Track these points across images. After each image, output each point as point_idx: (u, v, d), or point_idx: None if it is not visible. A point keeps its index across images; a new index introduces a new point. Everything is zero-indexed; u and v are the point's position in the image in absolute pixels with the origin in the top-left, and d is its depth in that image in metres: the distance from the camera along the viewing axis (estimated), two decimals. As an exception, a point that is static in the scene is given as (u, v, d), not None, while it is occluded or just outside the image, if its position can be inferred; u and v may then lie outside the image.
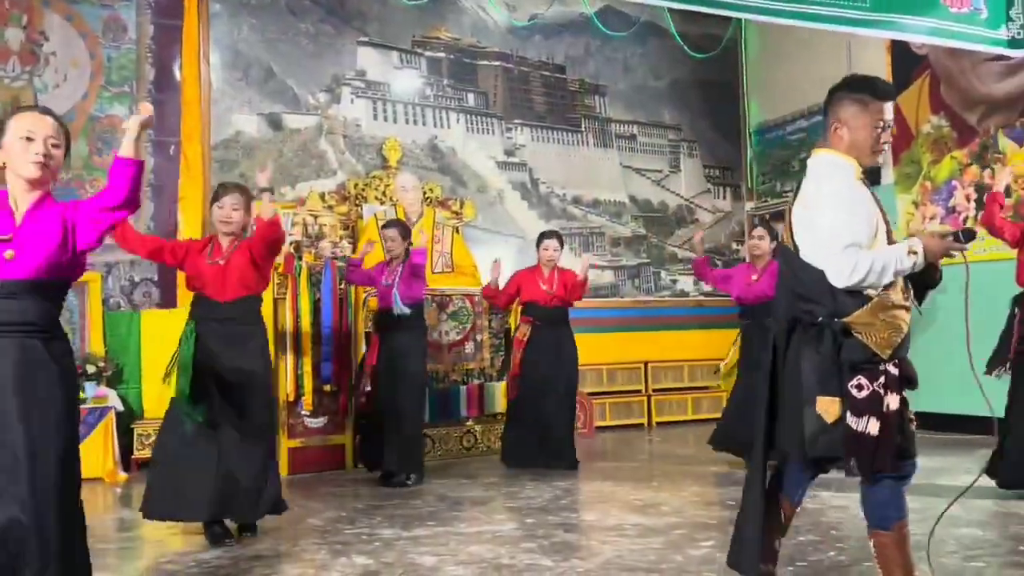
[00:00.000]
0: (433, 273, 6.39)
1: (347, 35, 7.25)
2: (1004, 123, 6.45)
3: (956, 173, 6.77)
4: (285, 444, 5.57)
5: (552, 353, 5.63)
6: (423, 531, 3.89)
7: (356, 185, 6.90)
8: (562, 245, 5.95)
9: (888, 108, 2.44)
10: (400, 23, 7.44)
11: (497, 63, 7.84)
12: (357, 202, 6.83)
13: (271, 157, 6.84)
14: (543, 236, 5.92)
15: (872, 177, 7.44)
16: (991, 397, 2.55)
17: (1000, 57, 5.69)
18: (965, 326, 2.45)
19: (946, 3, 4.57)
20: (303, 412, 5.60)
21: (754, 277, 5.45)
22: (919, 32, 4.55)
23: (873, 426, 2.30)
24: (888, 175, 7.38)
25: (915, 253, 2.33)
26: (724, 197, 9.02)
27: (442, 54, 7.60)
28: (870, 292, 2.36)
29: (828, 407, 2.41)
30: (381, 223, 5.68)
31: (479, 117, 7.71)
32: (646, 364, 8.03)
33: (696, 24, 8.38)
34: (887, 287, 2.34)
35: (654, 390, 8.03)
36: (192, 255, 3.83)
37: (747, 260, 5.92)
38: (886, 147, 2.48)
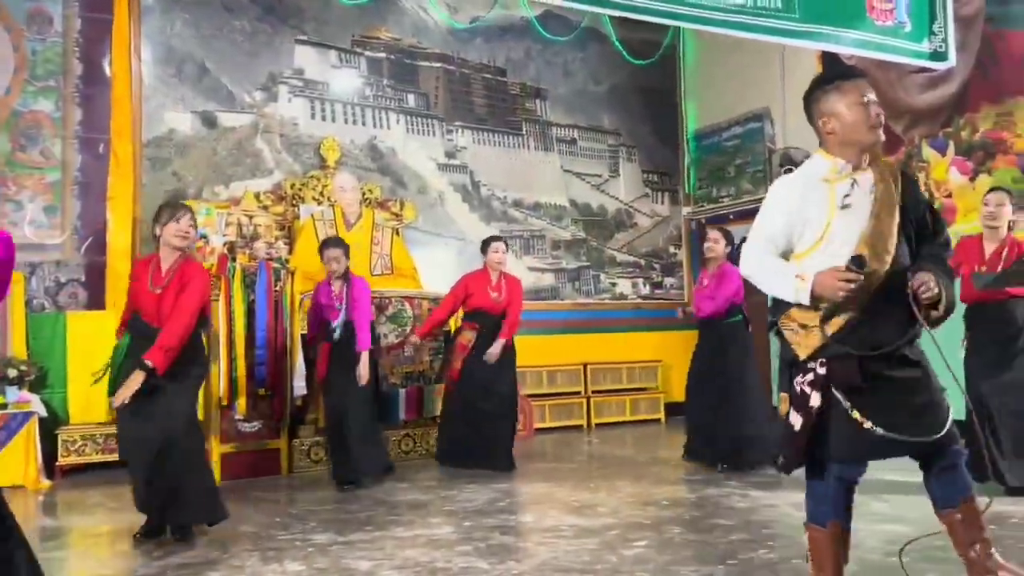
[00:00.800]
0: (372, 275, 6.33)
1: (284, 33, 7.14)
2: (927, 133, 6.70)
3: (883, 181, 7.00)
4: (218, 449, 5.46)
5: (496, 360, 5.65)
6: (358, 536, 3.85)
7: (293, 185, 6.80)
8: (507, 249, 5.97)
9: (864, 84, 2.41)
10: (339, 22, 7.36)
11: (438, 64, 7.82)
12: (294, 202, 6.73)
13: (205, 156, 6.71)
14: (492, 240, 5.89)
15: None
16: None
17: (924, 69, 5.93)
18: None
19: (872, 16, 4.74)
20: (237, 416, 5.49)
21: (704, 282, 5.53)
22: (847, 44, 4.71)
23: (796, 421, 2.36)
24: (819, 182, 7.58)
25: (802, 279, 2.31)
26: (662, 202, 9.15)
27: (382, 54, 7.55)
28: None
29: (782, 402, 2.53)
30: (322, 240, 5.51)
31: (420, 118, 7.68)
32: (586, 366, 8.11)
33: (636, 30, 8.49)
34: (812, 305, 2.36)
35: (593, 392, 8.11)
36: (133, 285, 3.90)
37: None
38: (882, 120, 2.40)
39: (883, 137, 2.43)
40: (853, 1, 4.65)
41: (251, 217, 6.28)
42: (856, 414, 2.28)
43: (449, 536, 3.84)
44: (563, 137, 8.53)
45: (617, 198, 8.88)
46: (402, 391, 6.14)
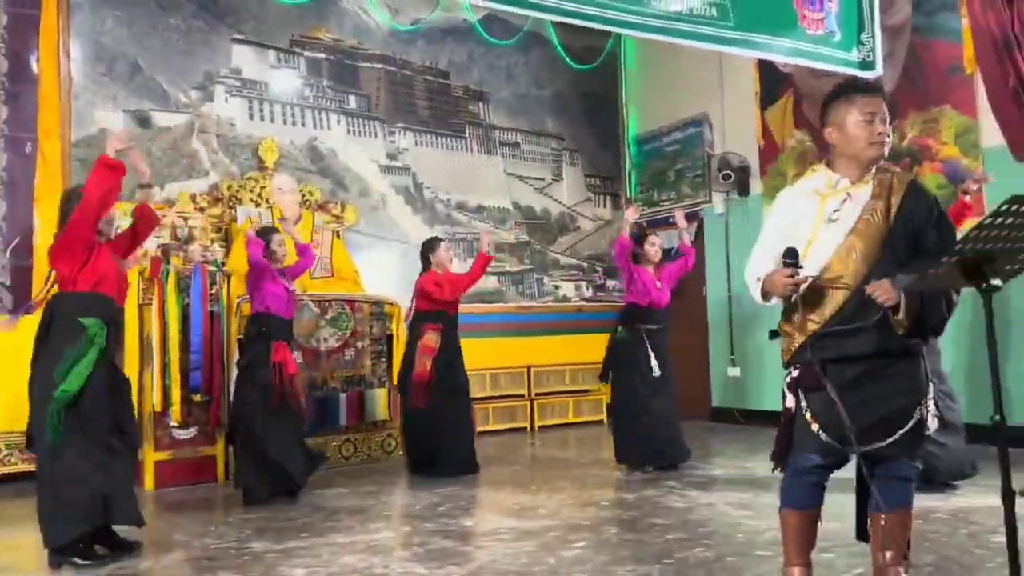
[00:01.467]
0: (312, 278, 6.27)
1: (221, 32, 7.02)
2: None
3: (816, 185, 7.18)
4: (151, 457, 5.34)
5: (458, 359, 5.67)
6: (295, 543, 3.80)
7: (230, 186, 6.69)
8: None
9: (874, 101, 2.44)
10: (277, 22, 7.26)
11: (379, 66, 7.77)
12: (231, 204, 6.62)
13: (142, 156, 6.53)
14: (436, 240, 5.89)
15: (741, 188, 7.83)
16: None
17: (857, 78, 6.11)
18: None
19: (803, 25, 4.88)
20: (171, 424, 5.38)
21: (658, 284, 5.60)
22: (779, 52, 4.84)
23: (782, 419, 2.57)
24: (756, 186, 7.76)
25: (758, 280, 2.51)
26: (604, 205, 9.25)
27: (322, 55, 7.47)
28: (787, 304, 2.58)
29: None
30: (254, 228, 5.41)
31: (361, 120, 7.63)
32: (529, 368, 8.14)
33: (578, 36, 8.57)
34: (801, 304, 2.46)
35: (537, 394, 8.15)
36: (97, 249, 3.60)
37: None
38: (885, 138, 2.44)
39: (884, 154, 2.46)
40: (785, 11, 4.78)
41: (186, 219, 6.15)
42: (808, 415, 2.46)
43: (388, 541, 3.82)
44: (506, 140, 8.55)
45: (560, 201, 8.94)
46: (343, 395, 6.08)
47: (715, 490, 4.78)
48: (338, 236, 6.90)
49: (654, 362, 5.46)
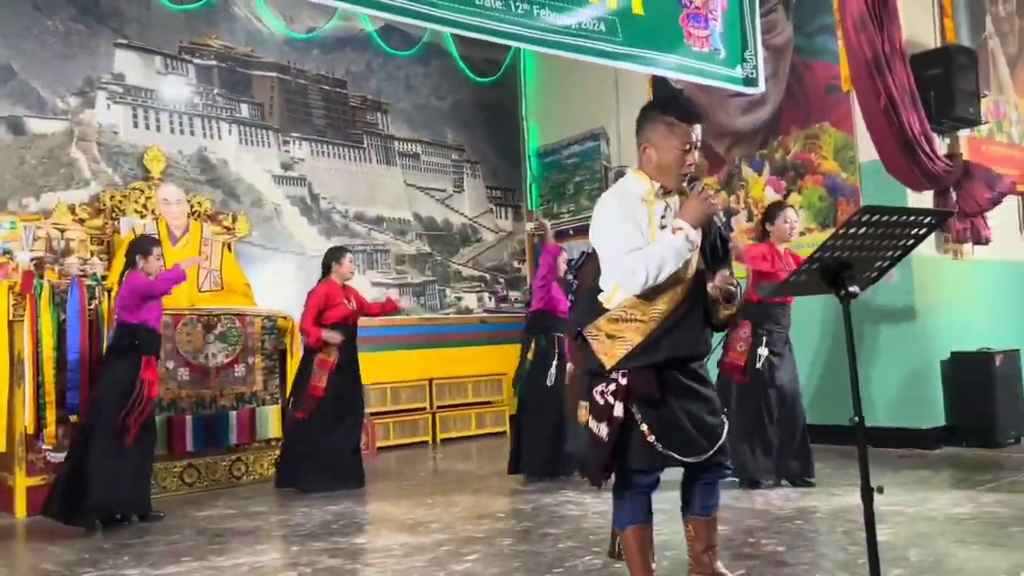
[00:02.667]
0: (200, 292, 6.06)
1: (103, 36, 6.72)
2: (746, 154, 7.18)
3: (708, 198, 7.41)
4: (22, 482, 5.03)
5: (353, 374, 5.57)
6: (175, 568, 3.64)
7: (113, 197, 6.40)
8: None
9: (695, 130, 2.45)
10: (165, 27, 7.01)
11: (273, 74, 7.60)
12: (114, 215, 6.34)
13: (11, 165, 6.19)
14: (343, 250, 5.81)
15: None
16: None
17: (740, 94, 6.35)
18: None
19: (689, 43, 5.03)
20: (44, 446, 5.08)
21: (571, 297, 5.64)
22: (667, 67, 4.97)
23: (603, 431, 2.42)
24: (651, 198, 7.94)
25: (680, 228, 2.38)
26: (506, 217, 9.30)
27: (213, 62, 7.25)
28: (607, 305, 2.51)
29: (581, 411, 2.57)
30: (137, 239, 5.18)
31: (254, 129, 7.43)
32: (431, 381, 8.08)
33: (477, 48, 8.61)
34: (635, 304, 2.43)
35: (439, 407, 8.09)
36: None
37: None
38: (693, 169, 2.48)
39: (685, 183, 2.50)
40: (672, 28, 4.92)
41: (63, 231, 5.85)
42: (644, 427, 2.38)
43: (274, 562, 3.71)
44: (406, 151, 8.50)
45: (462, 213, 8.94)
46: (233, 413, 5.88)
47: (610, 497, 4.83)
48: (229, 248, 6.70)
49: (553, 370, 5.54)
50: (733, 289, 2.43)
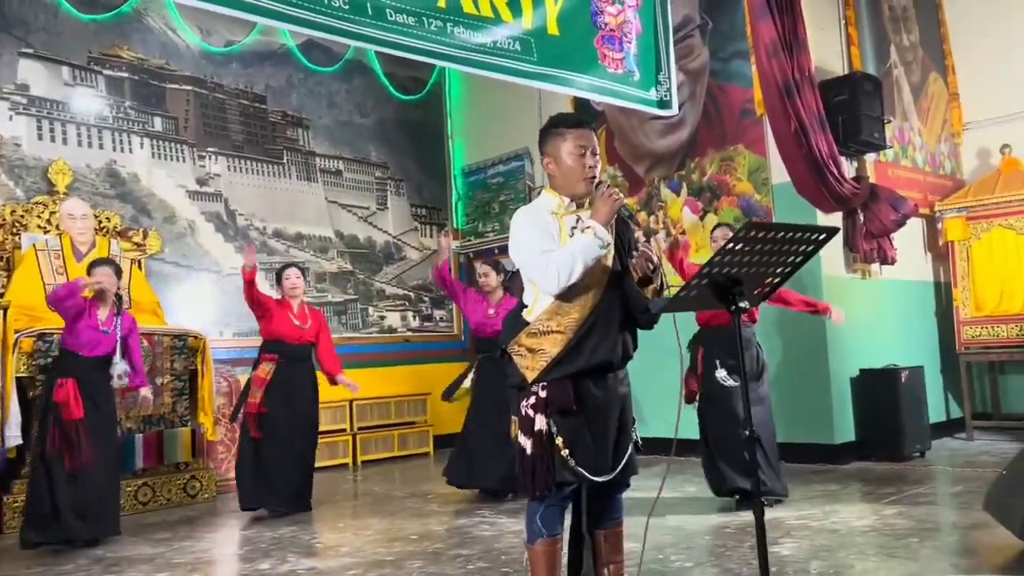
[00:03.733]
0: (106, 310, 5.83)
1: (6, 44, 6.47)
2: (664, 175, 7.32)
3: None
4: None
5: (299, 393, 5.40)
6: (63, 600, 3.47)
7: (14, 211, 6.14)
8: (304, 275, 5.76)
9: (584, 134, 2.53)
10: (74, 37, 6.79)
11: (189, 88, 7.42)
12: (15, 230, 6.08)
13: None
14: (285, 267, 5.68)
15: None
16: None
17: (659, 116, 6.46)
18: (679, 355, 2.67)
19: (604, 64, 5.10)
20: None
21: (491, 312, 5.61)
22: (583, 88, 5.03)
23: (526, 444, 2.44)
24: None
25: (589, 228, 2.41)
26: (431, 235, 9.26)
27: (124, 74, 7.05)
28: (528, 318, 2.52)
29: (511, 426, 2.60)
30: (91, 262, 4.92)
31: (167, 143, 7.24)
32: (351, 402, 7.94)
33: (402, 66, 8.58)
34: (550, 315, 2.45)
35: (360, 428, 7.96)
36: None
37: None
38: (595, 172, 2.53)
39: (592, 190, 2.53)
40: (587, 49, 4.98)
41: (-44, 246, 5.58)
42: (559, 440, 2.40)
43: (171, 591, 3.57)
44: (328, 168, 8.40)
45: (385, 231, 8.86)
46: (139, 436, 5.67)
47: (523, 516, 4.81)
48: (139, 265, 6.48)
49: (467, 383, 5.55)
50: (654, 262, 2.45)
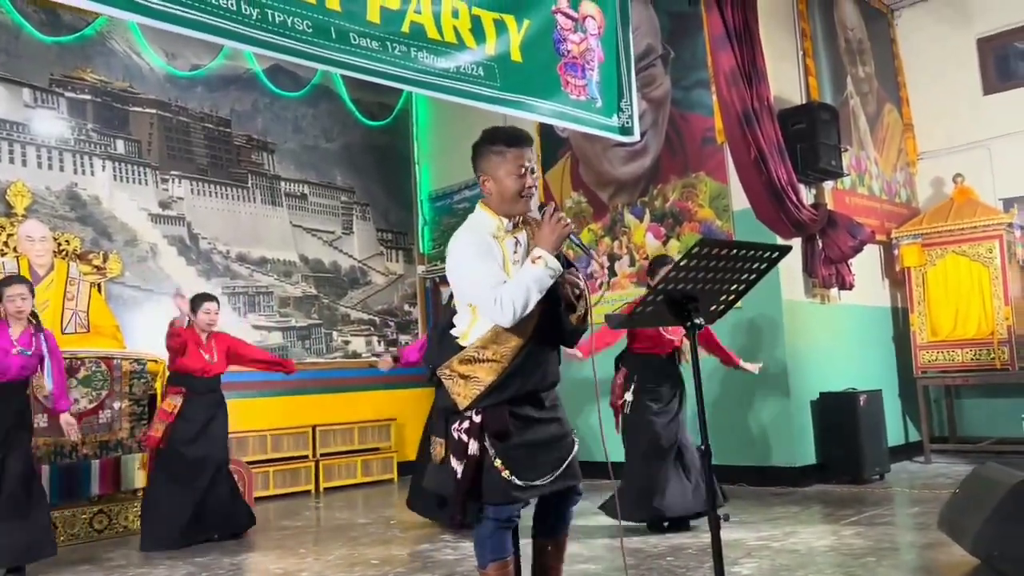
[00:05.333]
0: (63, 333, 5.74)
1: (-35, 65, 6.41)
2: (628, 201, 7.41)
3: (593, 243, 7.61)
4: None
5: (205, 428, 5.32)
6: (11, 629, 3.38)
7: (-30, 233, 6.04)
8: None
9: (524, 153, 2.49)
10: (35, 59, 6.73)
11: (153, 111, 7.39)
12: (-30, 253, 5.98)
13: None
14: (203, 299, 5.56)
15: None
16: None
17: (622, 144, 6.56)
18: (594, 380, 2.58)
19: (567, 91, 5.19)
20: None
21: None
22: (545, 114, 5.10)
23: (459, 468, 2.43)
24: (540, 243, 8.08)
25: (539, 258, 2.37)
26: (397, 260, 9.26)
27: (87, 96, 7.00)
28: (462, 342, 2.52)
29: (436, 448, 2.57)
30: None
31: (130, 166, 7.18)
32: (314, 428, 7.87)
33: (368, 91, 8.63)
34: (486, 342, 2.45)
35: (323, 454, 7.88)
36: None
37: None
38: (533, 191, 2.52)
39: (530, 208, 2.55)
40: (549, 76, 5.06)
41: (-92, 268, 5.47)
42: (498, 462, 2.41)
43: (124, 619, 3.49)
44: (292, 192, 8.38)
45: (351, 255, 8.84)
46: (95, 463, 5.56)
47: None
48: (98, 289, 6.40)
49: None
50: (580, 288, 2.46)
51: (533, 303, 2.37)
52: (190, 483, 5.19)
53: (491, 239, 2.52)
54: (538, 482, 2.45)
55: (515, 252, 2.54)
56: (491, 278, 2.42)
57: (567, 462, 2.52)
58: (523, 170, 2.50)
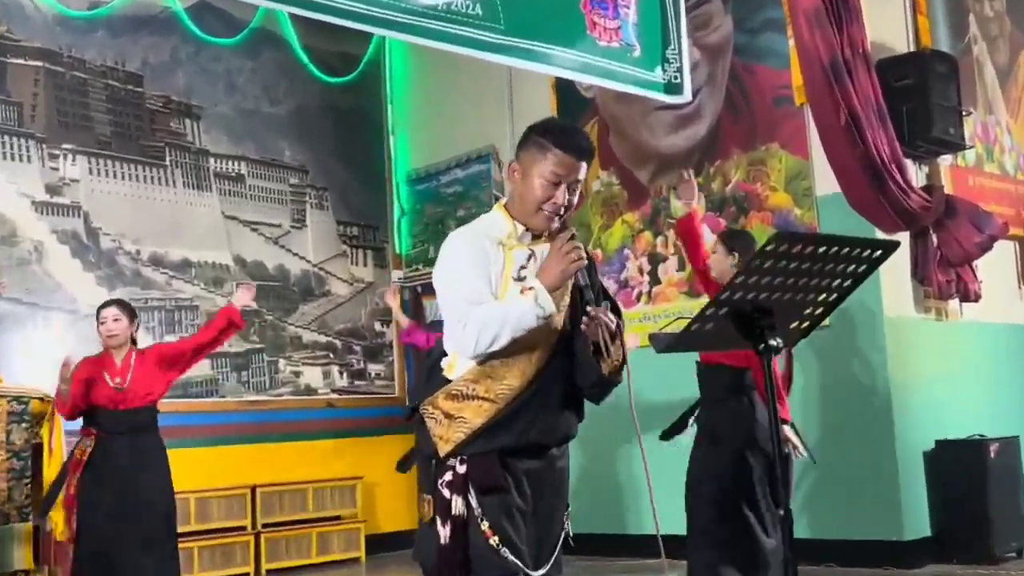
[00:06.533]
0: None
1: None
2: (675, 183, 7.41)
3: (628, 240, 7.62)
4: None
5: (128, 477, 5.32)
6: None
7: None
8: (132, 317, 5.66)
9: (570, 162, 2.57)
10: None
11: (39, 63, 7.45)
12: None
13: None
14: (102, 306, 5.63)
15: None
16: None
17: (666, 104, 6.58)
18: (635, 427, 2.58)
19: (594, 35, 5.21)
20: None
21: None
22: (564, 65, 5.14)
23: (443, 533, 2.49)
24: (556, 240, 8.10)
25: (531, 289, 2.46)
26: (365, 263, 9.30)
27: (-50, 44, 7.08)
28: (448, 374, 2.60)
29: (424, 507, 2.63)
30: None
31: (8, 137, 7.23)
32: (254, 489, 7.88)
33: (326, 37, 8.68)
34: (478, 376, 2.53)
35: (264, 525, 7.89)
36: None
37: None
38: (561, 211, 2.60)
39: (552, 228, 2.63)
40: (570, 14, 5.08)
41: None
42: (485, 526, 2.47)
43: None
44: (225, 172, 8.43)
45: (303, 257, 8.89)
46: (-43, 537, 5.58)
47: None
48: (-36, 302, 6.44)
49: None
50: (611, 330, 2.50)
51: (503, 341, 2.47)
52: (109, 556, 5.19)
53: (494, 247, 2.61)
54: (533, 571, 2.52)
55: (522, 268, 2.61)
56: (470, 292, 2.54)
57: (556, 551, 2.65)
58: (558, 180, 2.58)
